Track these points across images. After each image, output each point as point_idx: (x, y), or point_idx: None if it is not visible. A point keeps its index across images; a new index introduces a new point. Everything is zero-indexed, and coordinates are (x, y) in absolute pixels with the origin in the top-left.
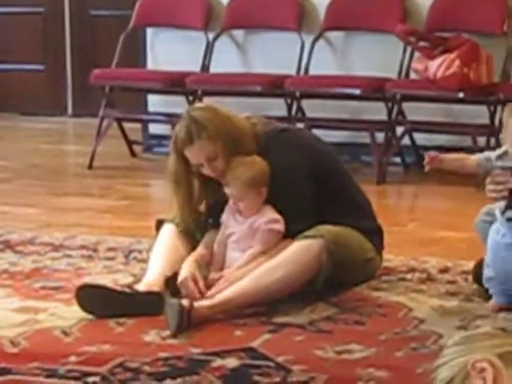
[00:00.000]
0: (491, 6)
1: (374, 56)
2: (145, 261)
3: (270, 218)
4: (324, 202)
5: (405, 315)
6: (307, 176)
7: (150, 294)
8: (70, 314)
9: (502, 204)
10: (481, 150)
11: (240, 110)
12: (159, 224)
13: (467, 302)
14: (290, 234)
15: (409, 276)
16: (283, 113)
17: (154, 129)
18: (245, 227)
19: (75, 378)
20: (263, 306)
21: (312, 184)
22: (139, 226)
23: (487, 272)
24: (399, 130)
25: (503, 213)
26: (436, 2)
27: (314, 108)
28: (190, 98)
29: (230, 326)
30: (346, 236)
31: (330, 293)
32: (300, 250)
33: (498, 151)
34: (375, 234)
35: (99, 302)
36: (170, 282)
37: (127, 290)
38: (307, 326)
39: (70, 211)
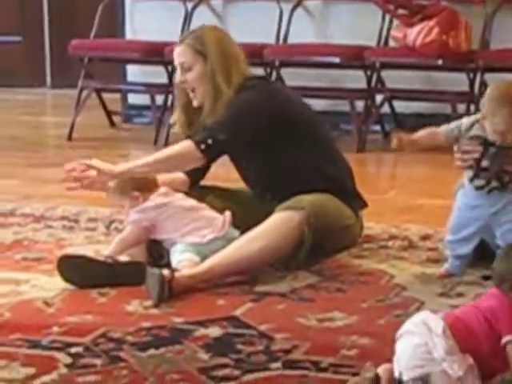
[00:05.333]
0: None
1: (353, 24)
2: None
3: None
4: (297, 151)
5: (387, 282)
6: (262, 116)
7: (131, 263)
8: (52, 284)
9: (470, 173)
10: (460, 117)
11: None
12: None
13: None
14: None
15: (390, 243)
16: None
17: (133, 99)
18: None
19: (58, 349)
20: (245, 276)
21: (262, 125)
22: None
23: (448, 235)
24: (379, 98)
25: (471, 181)
26: None
27: (293, 76)
28: (169, 68)
29: (212, 295)
30: (326, 205)
31: (311, 261)
32: (280, 222)
33: (468, 119)
34: (354, 197)
35: (81, 272)
36: (153, 247)
37: (109, 260)
38: (289, 295)
39: (51, 182)
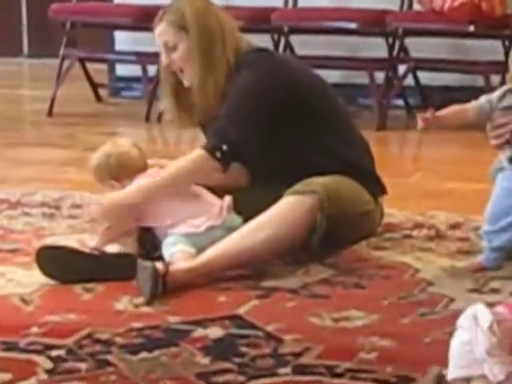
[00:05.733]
0: None
1: None
2: None
3: None
4: (307, 130)
5: (411, 277)
6: (269, 98)
7: (120, 256)
8: (30, 279)
9: (508, 151)
10: (493, 91)
11: None
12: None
13: None
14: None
15: (415, 233)
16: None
17: (121, 70)
18: None
19: (37, 352)
20: (249, 269)
21: (270, 108)
22: None
23: (485, 225)
24: (401, 68)
25: (511, 161)
26: None
27: (304, 45)
28: None
29: (212, 291)
30: (340, 188)
31: (324, 252)
32: (289, 208)
33: (499, 91)
34: (373, 180)
35: (63, 265)
36: (145, 238)
37: (95, 251)
38: (300, 290)
39: (28, 164)
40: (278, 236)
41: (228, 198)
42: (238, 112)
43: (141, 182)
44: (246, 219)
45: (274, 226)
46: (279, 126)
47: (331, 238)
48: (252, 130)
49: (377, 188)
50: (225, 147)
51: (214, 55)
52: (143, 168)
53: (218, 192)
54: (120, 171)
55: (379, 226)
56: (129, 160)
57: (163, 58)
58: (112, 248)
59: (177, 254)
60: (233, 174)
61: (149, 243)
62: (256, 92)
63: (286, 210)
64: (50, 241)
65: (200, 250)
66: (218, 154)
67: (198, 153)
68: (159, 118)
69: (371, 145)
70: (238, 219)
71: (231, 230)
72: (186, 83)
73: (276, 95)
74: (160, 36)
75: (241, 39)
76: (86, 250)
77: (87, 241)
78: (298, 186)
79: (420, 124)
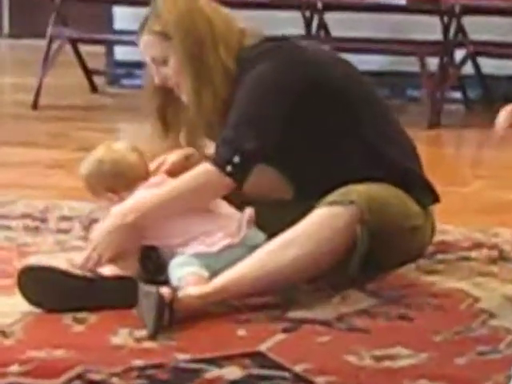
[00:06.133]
0: None
1: None
2: None
3: None
4: (340, 130)
5: (468, 307)
6: (289, 95)
7: (118, 279)
8: (11, 307)
9: None
10: None
11: None
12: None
13: None
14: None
15: (473, 254)
16: (299, 30)
17: (122, 53)
18: None
19: None
20: (274, 296)
21: (291, 107)
22: None
23: None
24: (459, 54)
25: None
26: None
27: (341, 24)
28: None
29: (229, 322)
30: (383, 197)
31: (364, 277)
32: (322, 221)
33: None
34: (421, 186)
35: (50, 290)
36: (148, 257)
37: (87, 273)
38: (335, 323)
39: (9, 167)
40: (309, 255)
41: (249, 211)
42: (250, 112)
43: (142, 196)
44: (271, 235)
45: (304, 244)
46: (304, 122)
47: (373, 259)
48: (271, 131)
49: (426, 196)
50: (236, 159)
51: (205, 61)
52: (144, 176)
53: (236, 202)
54: (116, 181)
55: (430, 244)
56: (126, 167)
57: (155, 77)
58: (108, 269)
59: (186, 277)
60: (271, 183)
61: (152, 264)
62: (270, 84)
63: (319, 223)
64: (34, 260)
65: (215, 273)
66: (229, 169)
67: (205, 168)
68: None
69: (421, 145)
70: (260, 236)
71: (252, 248)
72: (184, 99)
73: (296, 86)
74: (146, 50)
75: (243, 33)
76: (78, 271)
77: (79, 260)
78: (332, 196)
79: (502, 125)
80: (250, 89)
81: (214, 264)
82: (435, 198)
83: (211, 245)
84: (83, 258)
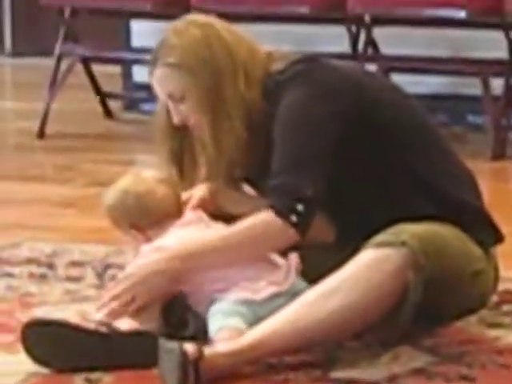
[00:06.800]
0: None
1: None
2: None
3: None
4: (389, 161)
5: None
6: (331, 124)
7: (137, 334)
8: (13, 366)
9: None
10: None
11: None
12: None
13: None
14: (265, 191)
15: None
16: (343, 48)
17: (140, 74)
18: None
19: None
20: (315, 353)
21: (335, 136)
22: None
23: None
24: None
25: None
26: None
27: (392, 41)
28: None
29: (263, 383)
30: (440, 238)
31: (418, 330)
32: (370, 266)
33: None
34: (482, 226)
35: (58, 347)
36: (170, 308)
37: (102, 328)
38: None
39: (11, 205)
40: (355, 305)
41: (294, 257)
42: (299, 153)
43: (188, 238)
44: (311, 281)
45: (350, 292)
46: (349, 156)
47: (427, 310)
48: (324, 171)
49: (488, 235)
50: (300, 208)
51: (223, 95)
52: (175, 212)
53: None
54: (141, 218)
55: (493, 292)
56: (152, 203)
57: (174, 116)
58: (125, 323)
59: (224, 330)
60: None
61: (175, 316)
62: (310, 116)
63: (365, 268)
64: (40, 312)
65: (256, 323)
66: (294, 218)
67: (266, 217)
68: None
69: (483, 179)
70: (301, 283)
71: (294, 296)
72: (203, 139)
73: (339, 116)
74: (160, 86)
75: (270, 58)
76: (90, 325)
77: (92, 313)
78: (381, 236)
79: None
80: (289, 123)
81: (258, 313)
82: (498, 238)
83: (256, 292)
84: (109, 300)
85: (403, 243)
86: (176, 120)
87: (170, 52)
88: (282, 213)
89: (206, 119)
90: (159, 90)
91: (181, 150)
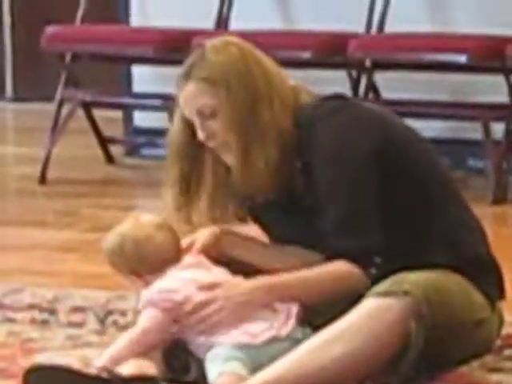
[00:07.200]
0: None
1: (488, 4)
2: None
3: None
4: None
5: None
6: (371, 163)
7: (138, 379)
8: None
9: None
10: None
11: None
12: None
13: None
14: (331, 255)
15: None
16: (344, 92)
17: (142, 119)
18: None
19: None
20: None
21: (376, 177)
22: None
23: None
24: None
25: None
26: None
27: (392, 85)
28: None
29: None
30: (444, 287)
31: (422, 376)
32: (372, 315)
33: None
34: (490, 277)
35: None
36: (172, 354)
37: (104, 373)
38: None
39: (13, 250)
40: (358, 353)
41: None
42: (358, 199)
43: (179, 279)
44: (315, 328)
45: (352, 340)
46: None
47: (431, 357)
48: (378, 217)
49: (494, 286)
50: (377, 260)
51: (260, 118)
52: (174, 258)
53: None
54: (139, 264)
55: (497, 338)
56: (151, 250)
57: (199, 132)
58: (127, 368)
59: (224, 375)
60: None
61: (178, 361)
62: (356, 151)
63: (369, 317)
64: (41, 358)
65: (255, 369)
66: (374, 271)
67: (346, 268)
68: None
69: (484, 222)
70: (303, 330)
71: (296, 342)
72: (228, 162)
73: (375, 159)
74: (190, 101)
75: (296, 90)
76: (92, 370)
77: (94, 359)
78: (383, 285)
79: None
80: (335, 159)
81: (257, 357)
82: (502, 292)
83: (255, 335)
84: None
85: (406, 293)
86: (201, 136)
87: (207, 67)
88: (363, 265)
89: (236, 139)
90: (188, 104)
91: (189, 172)
